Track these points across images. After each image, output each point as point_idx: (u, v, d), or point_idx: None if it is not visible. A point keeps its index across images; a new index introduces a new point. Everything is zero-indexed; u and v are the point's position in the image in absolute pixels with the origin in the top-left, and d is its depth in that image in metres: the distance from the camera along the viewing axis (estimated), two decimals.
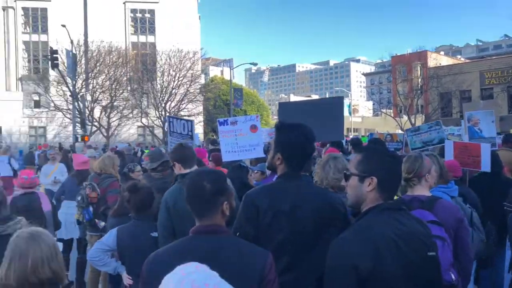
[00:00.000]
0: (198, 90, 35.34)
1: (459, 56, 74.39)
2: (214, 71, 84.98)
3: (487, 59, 48.02)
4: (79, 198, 5.32)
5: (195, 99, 34.18)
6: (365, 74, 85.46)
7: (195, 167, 3.42)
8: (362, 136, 25.57)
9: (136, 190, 3.55)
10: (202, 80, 43.98)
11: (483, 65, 41.10)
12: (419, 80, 41.06)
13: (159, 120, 32.90)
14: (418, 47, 46.25)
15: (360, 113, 62.93)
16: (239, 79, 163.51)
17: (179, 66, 33.43)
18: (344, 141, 8.87)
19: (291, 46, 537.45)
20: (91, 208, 5.24)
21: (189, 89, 33.48)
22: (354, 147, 7.46)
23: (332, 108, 5.77)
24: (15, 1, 41.39)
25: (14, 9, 41.54)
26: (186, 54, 34.24)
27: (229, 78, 45.61)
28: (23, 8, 41.92)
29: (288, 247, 2.25)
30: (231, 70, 42.42)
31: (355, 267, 1.75)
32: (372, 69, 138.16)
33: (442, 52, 63.59)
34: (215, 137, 21.34)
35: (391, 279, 1.78)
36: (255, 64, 46.28)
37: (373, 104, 60.43)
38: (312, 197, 2.36)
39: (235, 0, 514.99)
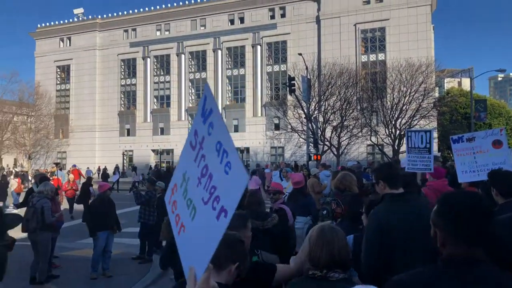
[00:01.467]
0: (432, 105, 32.94)
1: None
2: (450, 84, 78.10)
3: None
4: (324, 212, 5.57)
5: (428, 114, 31.96)
6: None
7: (401, 189, 3.37)
8: None
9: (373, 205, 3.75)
10: (436, 94, 40.84)
11: None
12: None
13: (389, 138, 32.11)
14: None
15: None
16: (482, 90, 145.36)
17: (410, 81, 32.03)
18: None
19: None
20: (334, 223, 5.43)
21: (421, 104, 31.59)
22: None
23: None
24: (261, 38, 48.09)
25: (260, 45, 48.29)
26: (418, 68, 32.59)
27: (468, 89, 40.90)
28: (267, 44, 48.22)
29: None
30: (471, 80, 37.92)
31: None
32: None
33: None
34: (451, 155, 19.33)
35: None
36: (502, 71, 39.79)
37: None
38: None
39: (474, 2, 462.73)
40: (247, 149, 46.96)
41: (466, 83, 70.13)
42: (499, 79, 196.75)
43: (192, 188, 1.89)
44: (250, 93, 48.71)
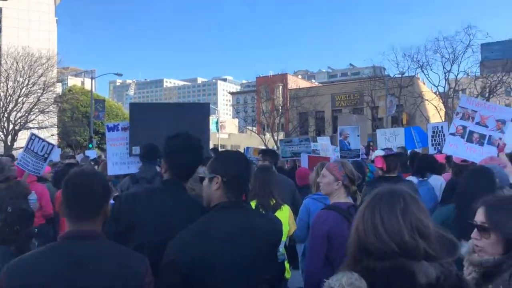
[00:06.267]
0: (52, 100, 31.75)
1: (313, 80, 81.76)
2: (73, 81, 78.52)
3: (337, 84, 53.59)
4: None
5: (47, 109, 30.58)
6: (232, 93, 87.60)
7: None
8: None
9: None
10: (58, 89, 39.88)
11: (334, 88, 45.59)
12: (281, 100, 43.60)
13: (1, 132, 28.57)
14: (281, 70, 49.31)
15: (227, 129, 64.21)
16: (103, 92, 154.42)
17: (28, 72, 29.63)
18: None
19: (158, 61, 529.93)
20: None
21: (40, 98, 29.85)
22: None
23: (196, 114, 5.20)
24: None
25: None
26: (38, 59, 30.60)
27: (90, 89, 42.19)
28: None
29: None
30: (92, 80, 39.29)
31: (174, 262, 1.86)
32: (238, 88, 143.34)
33: (300, 76, 68.91)
34: (71, 153, 19.06)
35: (218, 272, 1.89)
36: (120, 75, 43.13)
37: (239, 121, 62.35)
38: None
39: (100, 9, 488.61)
40: None
41: (88, 83, 72.45)
42: (118, 84, 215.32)
43: None
44: None
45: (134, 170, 4.85)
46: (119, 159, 5.31)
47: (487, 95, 29.54)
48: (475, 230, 1.87)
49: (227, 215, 2.01)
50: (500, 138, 5.64)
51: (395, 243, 1.47)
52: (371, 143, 16.63)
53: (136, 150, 4.86)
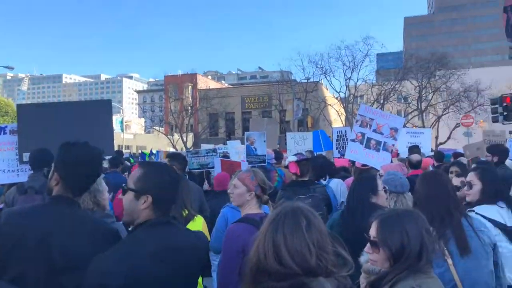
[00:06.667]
0: None
1: (223, 82, 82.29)
2: None
3: (247, 86, 54.51)
4: None
5: None
6: (138, 91, 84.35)
7: None
8: (134, 154, 24.84)
9: None
10: None
11: (244, 91, 46.26)
12: (190, 100, 43.08)
13: None
14: (190, 69, 48.69)
15: (133, 130, 61.69)
16: None
17: None
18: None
19: (57, 55, 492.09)
20: None
21: None
22: None
23: (97, 113, 4.77)
24: None
25: None
26: None
27: None
28: None
29: None
30: None
31: (105, 286, 1.69)
32: (145, 87, 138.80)
33: (209, 76, 68.81)
34: None
35: None
36: (11, 68, 38.91)
37: (145, 121, 60.31)
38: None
39: None
40: None
41: None
42: (9, 77, 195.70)
43: None
44: None
45: (24, 179, 4.34)
46: (6, 166, 4.76)
47: (382, 101, 32.21)
48: (368, 243, 1.93)
49: (157, 233, 1.89)
50: (393, 145, 6.21)
51: (297, 264, 1.47)
52: (278, 146, 17.09)
53: (27, 157, 4.36)
